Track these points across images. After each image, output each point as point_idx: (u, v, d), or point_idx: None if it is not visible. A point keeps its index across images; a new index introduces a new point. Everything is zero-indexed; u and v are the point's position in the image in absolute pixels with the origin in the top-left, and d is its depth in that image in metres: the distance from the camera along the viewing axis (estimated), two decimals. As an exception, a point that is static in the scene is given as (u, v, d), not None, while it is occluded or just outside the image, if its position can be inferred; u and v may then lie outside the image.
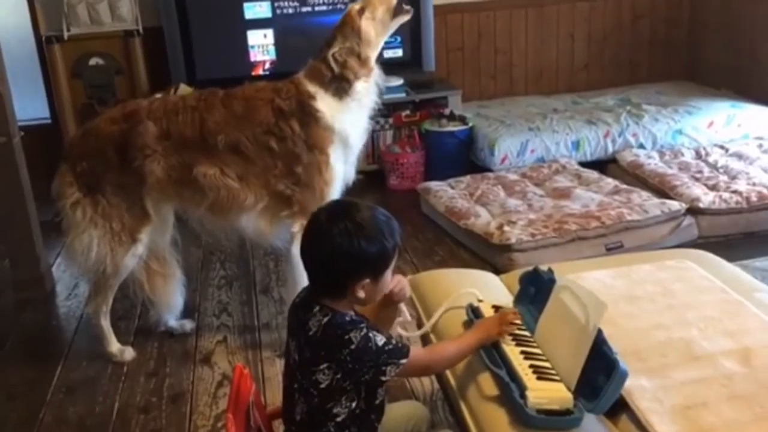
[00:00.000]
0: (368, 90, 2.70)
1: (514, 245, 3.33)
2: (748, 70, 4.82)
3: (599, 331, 1.54)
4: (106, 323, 2.86)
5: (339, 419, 1.61)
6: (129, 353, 2.90)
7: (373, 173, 4.71)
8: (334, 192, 2.74)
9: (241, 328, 3.08)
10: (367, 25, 2.63)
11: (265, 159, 2.67)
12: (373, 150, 4.71)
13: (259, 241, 2.90)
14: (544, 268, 1.87)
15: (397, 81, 4.68)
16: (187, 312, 3.19)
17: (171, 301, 2.97)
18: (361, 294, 1.59)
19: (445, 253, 3.66)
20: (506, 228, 3.43)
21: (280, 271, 3.49)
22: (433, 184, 4.12)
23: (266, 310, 3.22)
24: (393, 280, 1.70)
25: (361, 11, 2.64)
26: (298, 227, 2.70)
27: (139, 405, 2.62)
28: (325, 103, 2.65)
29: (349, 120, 2.69)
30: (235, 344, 2.96)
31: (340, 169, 2.74)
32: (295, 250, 2.69)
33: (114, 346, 2.89)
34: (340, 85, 2.65)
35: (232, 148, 2.65)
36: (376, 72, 2.72)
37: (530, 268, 1.90)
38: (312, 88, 2.66)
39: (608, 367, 1.50)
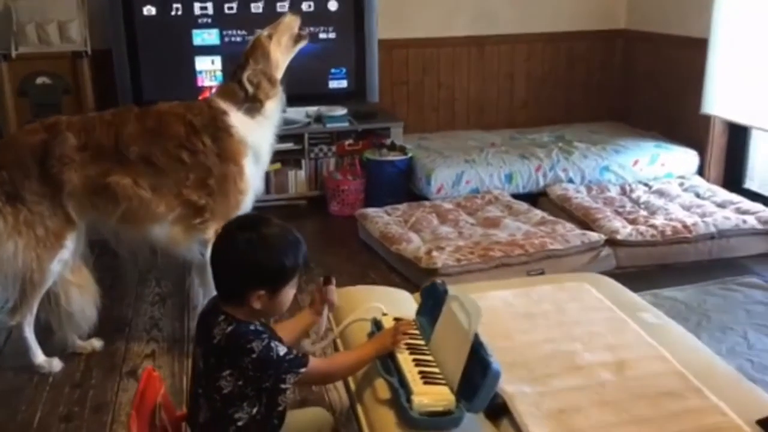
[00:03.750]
0: (276, 108, 2.96)
1: (441, 269, 3.47)
2: (674, 114, 5.10)
3: (476, 335, 1.67)
4: (30, 335, 2.89)
5: (240, 423, 1.69)
6: (57, 364, 2.94)
7: (315, 199, 4.84)
8: (248, 201, 2.95)
9: (170, 343, 3.15)
10: (274, 50, 2.91)
11: (177, 171, 2.82)
12: (315, 176, 4.84)
13: (171, 250, 2.99)
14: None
15: (341, 111, 4.85)
16: (118, 327, 3.25)
17: (87, 312, 3.00)
18: (257, 305, 1.68)
19: (378, 277, 3.78)
20: (434, 253, 3.57)
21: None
22: (371, 211, 4.26)
23: (197, 326, 3.28)
24: (327, 291, 1.90)
25: (269, 37, 2.91)
26: (211, 233, 2.84)
27: (62, 414, 2.66)
28: (237, 120, 2.87)
29: (260, 135, 2.92)
30: (162, 358, 3.03)
31: (254, 180, 2.95)
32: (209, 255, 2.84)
33: (40, 357, 2.92)
34: (253, 105, 2.89)
35: (144, 160, 2.80)
36: (280, 91, 2.97)
37: (428, 282, 2.03)
38: (224, 105, 2.87)
39: (484, 368, 1.63)
